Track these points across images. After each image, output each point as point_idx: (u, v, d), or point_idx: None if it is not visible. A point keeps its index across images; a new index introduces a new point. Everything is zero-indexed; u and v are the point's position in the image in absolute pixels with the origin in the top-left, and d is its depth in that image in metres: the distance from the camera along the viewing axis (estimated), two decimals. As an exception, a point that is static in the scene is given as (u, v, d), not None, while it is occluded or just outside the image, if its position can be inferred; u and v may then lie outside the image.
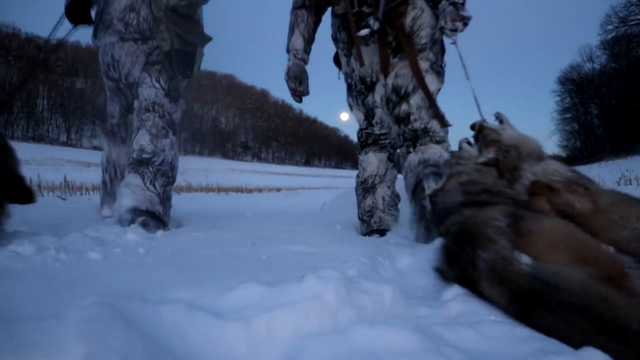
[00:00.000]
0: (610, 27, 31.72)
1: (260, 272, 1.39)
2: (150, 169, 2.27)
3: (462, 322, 0.87)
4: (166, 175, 2.34)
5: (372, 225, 2.39)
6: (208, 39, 2.60)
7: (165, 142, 2.37)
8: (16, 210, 1.88)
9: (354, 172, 2.76)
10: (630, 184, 7.06)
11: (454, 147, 1.89)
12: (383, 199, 2.42)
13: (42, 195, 3.97)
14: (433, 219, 1.88)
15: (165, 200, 2.34)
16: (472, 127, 1.77)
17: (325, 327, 0.76)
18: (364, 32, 2.10)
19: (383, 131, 2.43)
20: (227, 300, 0.88)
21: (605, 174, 10.97)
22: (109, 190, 2.63)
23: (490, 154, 1.58)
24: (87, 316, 0.61)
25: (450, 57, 2.29)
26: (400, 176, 2.48)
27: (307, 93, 2.43)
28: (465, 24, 1.96)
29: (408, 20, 2.16)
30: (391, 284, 1.04)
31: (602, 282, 0.84)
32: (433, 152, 2.09)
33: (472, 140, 1.76)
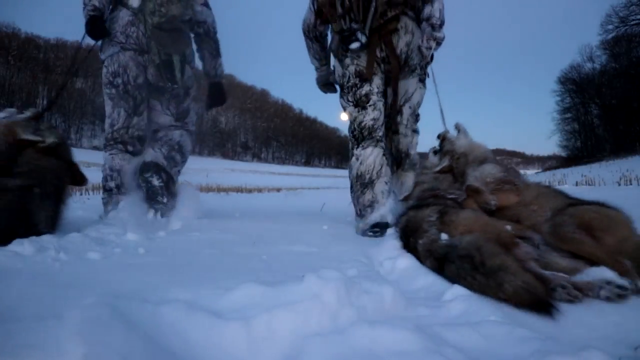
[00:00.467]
0: (610, 27, 31.67)
1: (260, 272, 1.39)
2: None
3: (462, 322, 0.87)
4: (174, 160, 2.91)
5: (372, 220, 2.36)
6: (184, 46, 2.91)
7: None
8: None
9: (354, 172, 2.75)
10: (631, 184, 7.05)
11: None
12: (382, 193, 2.40)
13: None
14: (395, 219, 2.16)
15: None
16: (438, 137, 2.17)
17: (325, 327, 0.76)
18: (355, 45, 2.47)
19: (376, 114, 2.48)
20: (227, 300, 0.88)
21: (605, 174, 10.97)
22: (114, 199, 2.66)
23: (445, 162, 1.97)
24: (87, 316, 0.60)
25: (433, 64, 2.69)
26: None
27: (335, 91, 2.97)
28: (439, 44, 2.37)
29: (402, 45, 2.50)
30: (391, 284, 1.04)
31: (492, 242, 1.22)
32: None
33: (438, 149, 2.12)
